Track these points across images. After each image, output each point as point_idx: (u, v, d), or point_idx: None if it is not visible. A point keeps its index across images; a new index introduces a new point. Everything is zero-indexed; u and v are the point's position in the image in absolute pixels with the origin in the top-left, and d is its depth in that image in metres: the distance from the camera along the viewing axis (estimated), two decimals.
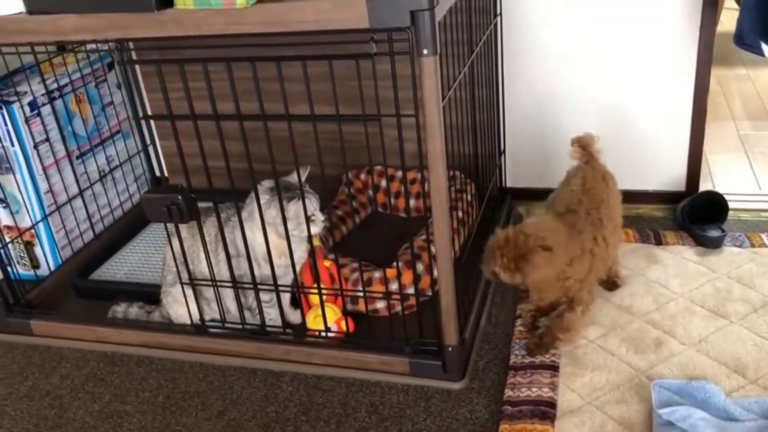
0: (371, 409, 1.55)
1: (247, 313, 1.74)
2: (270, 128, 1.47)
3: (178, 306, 1.75)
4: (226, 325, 1.75)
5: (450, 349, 1.55)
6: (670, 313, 1.71)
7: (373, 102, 1.38)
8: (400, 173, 2.17)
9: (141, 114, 2.40)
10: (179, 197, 1.54)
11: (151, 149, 2.53)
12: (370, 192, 2.25)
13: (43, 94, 2.05)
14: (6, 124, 1.96)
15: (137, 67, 2.38)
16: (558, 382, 1.54)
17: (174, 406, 1.63)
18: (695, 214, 2.02)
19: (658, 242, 1.99)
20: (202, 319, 1.75)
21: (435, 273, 1.57)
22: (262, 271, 1.66)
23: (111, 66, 2.33)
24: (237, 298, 1.70)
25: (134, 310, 1.86)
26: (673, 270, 1.87)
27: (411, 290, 1.73)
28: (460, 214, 1.85)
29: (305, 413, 1.56)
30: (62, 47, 2.09)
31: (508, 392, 1.52)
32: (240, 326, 1.73)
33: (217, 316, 1.75)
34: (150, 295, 1.88)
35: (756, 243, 1.94)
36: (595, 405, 1.47)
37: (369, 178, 2.23)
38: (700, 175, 2.16)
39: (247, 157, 1.50)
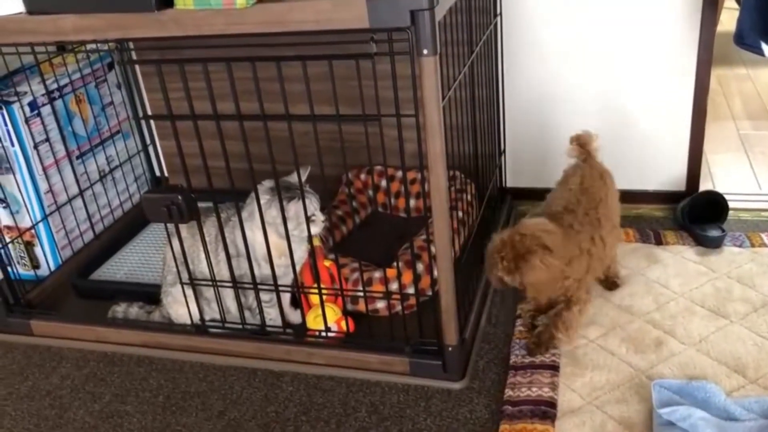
0: (371, 409, 1.55)
1: (247, 313, 1.74)
2: (270, 128, 1.47)
3: (179, 306, 1.75)
4: (227, 325, 1.75)
5: (450, 348, 1.55)
6: (670, 313, 1.71)
7: (373, 102, 1.38)
8: (400, 173, 2.17)
9: (141, 114, 2.40)
10: (179, 197, 1.54)
11: (151, 149, 2.53)
12: (370, 192, 2.25)
13: (43, 94, 2.05)
14: (6, 124, 1.96)
15: (137, 67, 2.38)
16: (558, 381, 1.54)
17: (174, 406, 1.63)
18: (695, 214, 2.02)
19: (659, 242, 1.99)
20: (202, 319, 1.75)
21: (435, 273, 1.57)
22: (262, 271, 1.66)
23: (111, 66, 2.33)
24: (237, 298, 1.70)
25: (134, 310, 1.86)
26: (673, 270, 1.87)
27: (411, 290, 1.73)
28: (460, 214, 1.85)
29: (305, 413, 1.56)
30: (62, 47, 2.10)
31: (508, 392, 1.52)
32: (240, 326, 1.73)
33: (218, 316, 1.75)
34: (150, 295, 1.88)
35: (756, 243, 1.94)
36: (596, 405, 1.47)
37: (369, 178, 2.23)
38: (700, 174, 2.16)
39: (247, 157, 1.50)
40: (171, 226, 1.64)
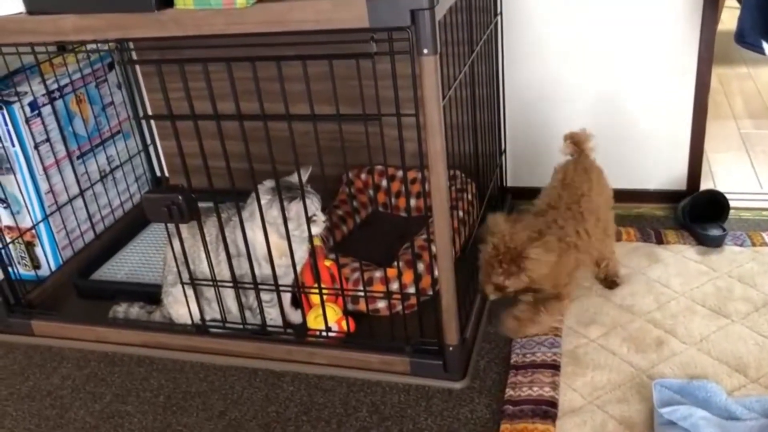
0: (372, 408, 1.55)
1: (247, 313, 1.74)
2: (270, 128, 1.47)
3: (179, 306, 1.75)
4: (227, 325, 1.75)
5: (451, 348, 1.55)
6: (671, 313, 1.71)
7: (373, 101, 1.38)
8: (400, 173, 2.17)
9: (141, 114, 2.40)
10: (180, 197, 1.54)
11: (151, 149, 2.53)
12: (371, 192, 2.25)
13: (43, 95, 2.05)
14: (6, 125, 1.96)
15: (137, 67, 2.38)
16: (559, 381, 1.53)
17: (175, 406, 1.63)
18: (696, 213, 2.02)
19: (659, 241, 1.99)
20: (202, 319, 1.75)
21: (436, 272, 1.57)
22: (262, 271, 1.66)
23: (111, 66, 2.33)
24: (238, 298, 1.70)
25: (135, 310, 1.86)
26: (674, 269, 1.87)
27: (412, 290, 1.73)
28: (461, 213, 1.85)
29: (306, 413, 1.56)
30: (62, 47, 2.10)
31: (509, 391, 1.52)
32: (241, 326, 1.73)
33: (218, 316, 1.75)
34: (151, 295, 1.88)
35: (757, 242, 1.94)
36: (597, 404, 1.47)
37: (369, 177, 2.23)
38: (701, 173, 2.16)
39: (248, 157, 1.50)
40: (171, 226, 1.64)
